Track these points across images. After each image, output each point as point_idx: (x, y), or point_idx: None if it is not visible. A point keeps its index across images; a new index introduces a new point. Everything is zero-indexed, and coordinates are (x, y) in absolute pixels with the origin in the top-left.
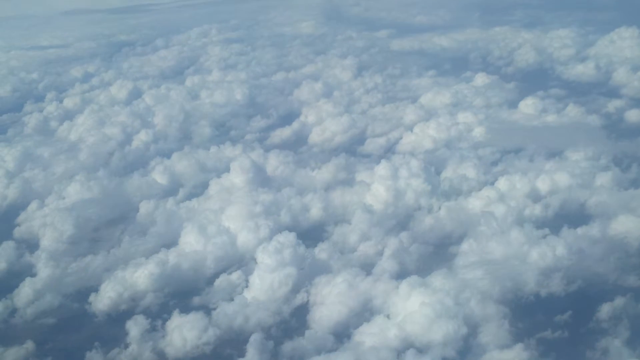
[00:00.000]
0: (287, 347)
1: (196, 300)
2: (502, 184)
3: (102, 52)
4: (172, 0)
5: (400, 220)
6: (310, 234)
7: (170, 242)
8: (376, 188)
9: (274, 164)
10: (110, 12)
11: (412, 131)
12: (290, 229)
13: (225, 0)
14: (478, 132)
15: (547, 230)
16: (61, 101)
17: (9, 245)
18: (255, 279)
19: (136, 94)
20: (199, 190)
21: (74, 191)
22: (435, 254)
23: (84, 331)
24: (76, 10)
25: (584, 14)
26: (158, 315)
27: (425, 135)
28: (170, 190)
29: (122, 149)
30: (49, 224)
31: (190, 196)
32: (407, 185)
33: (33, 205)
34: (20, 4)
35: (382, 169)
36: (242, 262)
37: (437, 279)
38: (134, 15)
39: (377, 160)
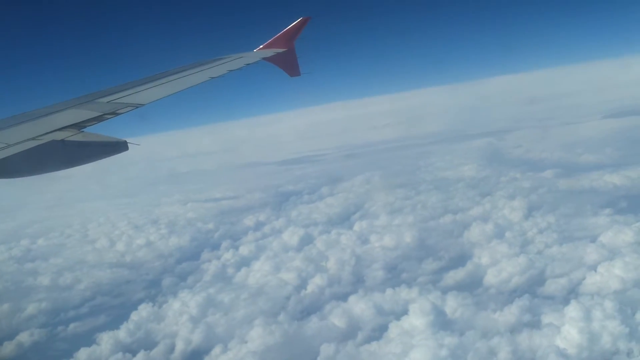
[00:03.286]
0: None
1: None
2: None
3: (272, 202)
4: (333, 151)
5: None
6: None
7: None
8: (567, 331)
9: (453, 306)
10: (278, 164)
11: (595, 271)
12: None
13: (385, 148)
14: None
15: None
16: (237, 249)
17: None
18: None
19: (307, 240)
20: (378, 333)
21: (256, 335)
22: None
23: None
24: (247, 164)
25: None
26: None
27: (611, 275)
28: (349, 334)
29: (298, 293)
30: None
31: (369, 339)
32: (602, 327)
33: (217, 349)
34: (195, 161)
35: (573, 310)
36: None
37: None
38: (300, 166)
39: (561, 301)
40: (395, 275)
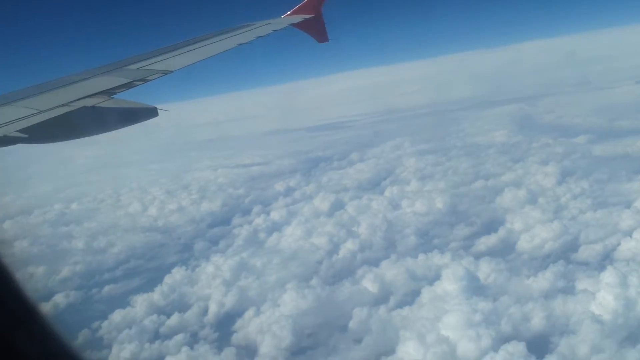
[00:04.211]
0: None
1: None
2: None
3: (302, 168)
4: (363, 118)
5: (633, 332)
6: (534, 345)
7: (386, 351)
8: (603, 297)
9: (486, 271)
10: (307, 131)
11: (631, 237)
12: (512, 339)
13: (415, 115)
14: None
15: None
16: (268, 214)
17: (230, 351)
18: None
19: (338, 206)
20: (410, 298)
21: (289, 299)
22: None
23: None
24: (275, 131)
25: None
26: None
27: None
28: (381, 298)
29: (330, 258)
30: (266, 331)
31: (401, 304)
32: (638, 294)
33: (249, 312)
34: (224, 128)
35: (608, 276)
36: None
37: None
38: (329, 133)
39: (596, 267)
40: (427, 240)
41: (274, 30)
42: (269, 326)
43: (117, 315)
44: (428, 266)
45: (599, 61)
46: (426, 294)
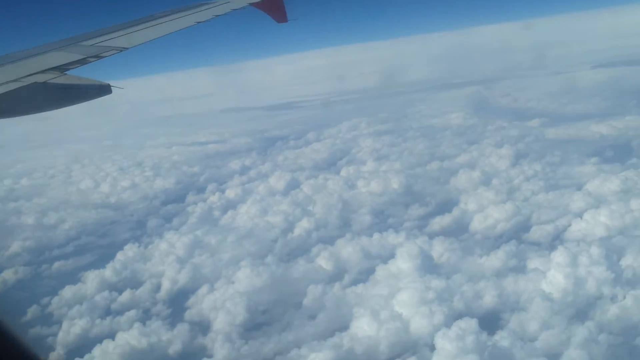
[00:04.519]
0: None
1: None
2: None
3: (258, 147)
4: (320, 97)
5: (581, 310)
6: (486, 322)
7: (340, 327)
8: (553, 275)
9: (440, 250)
10: (264, 110)
11: (581, 218)
12: (464, 315)
13: (372, 95)
14: None
15: None
16: (223, 192)
17: (183, 327)
18: None
19: (294, 184)
20: (365, 276)
21: (243, 276)
22: (625, 345)
23: None
24: (232, 109)
25: None
26: None
27: (596, 223)
28: (336, 276)
29: (285, 236)
30: (220, 308)
31: (356, 282)
32: (587, 273)
33: (203, 289)
34: (180, 105)
35: (559, 256)
36: (415, 348)
37: None
38: (286, 112)
39: (547, 247)
40: (382, 220)
41: (233, 9)
42: (223, 303)
43: (67, 291)
44: (383, 245)
45: (556, 46)
46: (380, 272)
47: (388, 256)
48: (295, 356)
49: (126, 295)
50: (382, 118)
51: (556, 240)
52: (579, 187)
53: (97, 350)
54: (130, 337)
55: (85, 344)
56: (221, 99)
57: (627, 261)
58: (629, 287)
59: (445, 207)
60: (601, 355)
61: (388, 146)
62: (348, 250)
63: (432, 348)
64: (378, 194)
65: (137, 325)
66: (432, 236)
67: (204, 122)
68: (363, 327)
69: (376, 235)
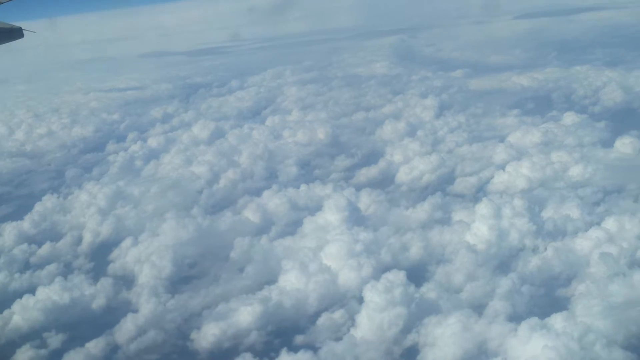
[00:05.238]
0: None
1: (300, 338)
2: (610, 224)
3: (180, 94)
4: (243, 43)
5: (504, 261)
6: (413, 274)
7: (268, 280)
8: (477, 227)
9: (367, 202)
10: (185, 55)
11: (504, 170)
12: (391, 268)
13: (296, 42)
14: (575, 171)
15: None
16: (144, 141)
17: (107, 281)
18: (363, 318)
19: (219, 134)
20: (292, 228)
21: (169, 228)
22: (547, 296)
23: None
24: (151, 53)
25: None
26: (264, 353)
27: (518, 175)
28: (263, 228)
29: (211, 187)
30: (145, 261)
31: (283, 234)
32: (510, 224)
33: (127, 242)
34: (98, 48)
35: (484, 208)
36: (344, 300)
37: (558, 322)
38: (208, 58)
39: (471, 199)
40: (308, 171)
41: None
42: (148, 256)
43: None
44: (310, 197)
45: None
46: (308, 224)
47: (315, 208)
48: (223, 310)
49: (46, 248)
50: (307, 66)
51: (480, 192)
52: (502, 139)
53: (17, 306)
54: (52, 291)
55: (4, 299)
56: (139, 42)
57: (548, 213)
58: (549, 239)
59: (372, 158)
60: (524, 306)
61: (313, 95)
62: (275, 202)
63: (361, 300)
64: (304, 144)
65: (58, 279)
66: (358, 188)
67: (123, 67)
68: (292, 280)
69: (303, 187)
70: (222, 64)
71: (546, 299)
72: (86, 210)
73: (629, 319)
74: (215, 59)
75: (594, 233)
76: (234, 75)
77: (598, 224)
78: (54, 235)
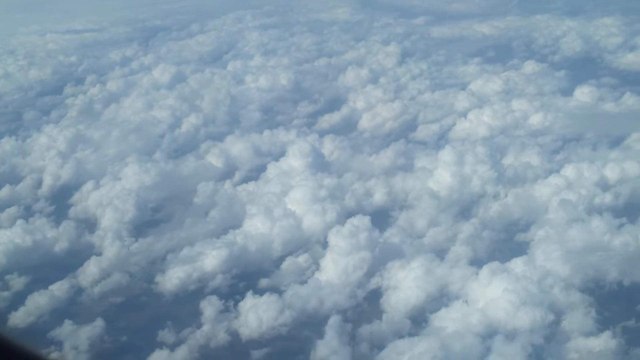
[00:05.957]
0: (365, 330)
1: (264, 282)
2: (569, 171)
3: (138, 37)
4: None
5: (466, 207)
6: (376, 219)
7: (233, 225)
8: (440, 174)
9: (330, 148)
10: None
11: (465, 118)
12: (355, 213)
13: None
14: (535, 119)
15: (624, 220)
16: (104, 84)
17: (69, 224)
18: (328, 262)
19: (179, 78)
20: (255, 173)
21: (131, 173)
22: (507, 241)
23: (153, 310)
24: None
25: (626, 2)
26: (229, 296)
27: (480, 122)
28: (226, 173)
29: (173, 132)
30: (107, 205)
31: (247, 179)
32: (472, 171)
33: (88, 185)
34: None
35: (446, 154)
36: (308, 245)
37: (518, 266)
38: (167, 0)
39: (433, 146)
40: (271, 117)
41: None
42: (110, 200)
43: None
44: (273, 142)
45: None
46: (272, 169)
47: (279, 154)
48: (188, 253)
49: (5, 191)
50: (268, 11)
51: (442, 139)
52: (463, 87)
53: None
54: (13, 234)
55: None
56: None
57: (508, 160)
58: (510, 185)
59: (334, 105)
60: (485, 250)
61: (275, 40)
62: (238, 147)
63: (325, 245)
64: (267, 90)
65: (19, 222)
66: (322, 134)
67: (79, 7)
68: (256, 225)
69: (266, 132)
70: (181, 7)
71: (506, 244)
72: (46, 154)
73: (587, 263)
74: (174, 2)
75: (554, 180)
76: (194, 18)
77: (557, 171)
78: (13, 178)
